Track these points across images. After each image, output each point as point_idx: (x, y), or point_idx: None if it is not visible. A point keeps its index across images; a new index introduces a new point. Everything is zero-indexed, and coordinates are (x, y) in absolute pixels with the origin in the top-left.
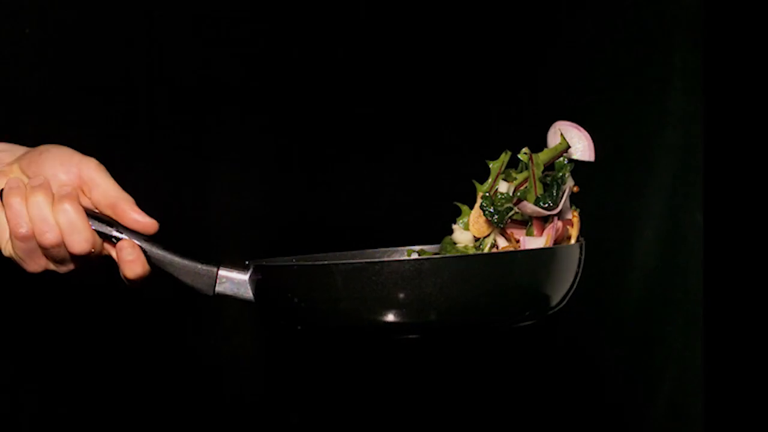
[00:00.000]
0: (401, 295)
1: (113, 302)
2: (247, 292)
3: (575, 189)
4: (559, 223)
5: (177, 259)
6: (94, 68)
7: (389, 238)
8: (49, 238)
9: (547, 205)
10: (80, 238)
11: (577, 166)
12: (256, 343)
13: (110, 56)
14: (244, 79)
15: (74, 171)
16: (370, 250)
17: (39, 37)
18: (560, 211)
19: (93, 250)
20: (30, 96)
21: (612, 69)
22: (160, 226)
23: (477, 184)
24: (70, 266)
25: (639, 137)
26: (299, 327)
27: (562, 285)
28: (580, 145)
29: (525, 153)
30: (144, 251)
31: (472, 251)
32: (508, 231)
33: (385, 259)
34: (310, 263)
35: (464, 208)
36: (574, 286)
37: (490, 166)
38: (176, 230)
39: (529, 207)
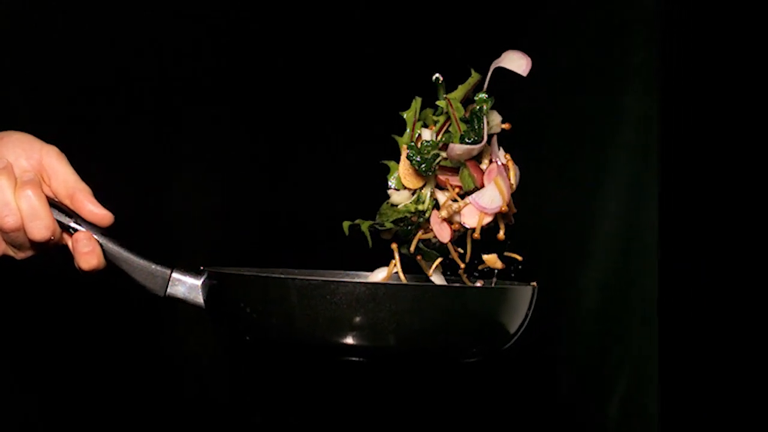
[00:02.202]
0: (353, 318)
1: (83, 299)
2: (198, 297)
3: (506, 126)
4: (499, 164)
5: (132, 257)
6: (57, 63)
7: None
8: (10, 222)
9: (472, 140)
10: (41, 225)
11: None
12: (219, 344)
13: (75, 53)
14: (207, 77)
15: (36, 158)
16: (332, 271)
17: (3, 31)
18: (492, 152)
19: (52, 238)
20: None
21: (569, 68)
22: (123, 223)
23: (397, 138)
24: (29, 252)
25: (595, 137)
26: (247, 337)
27: (511, 325)
28: (518, 62)
29: (442, 94)
30: (100, 245)
31: (412, 207)
32: (442, 179)
33: (342, 279)
34: (265, 275)
35: (392, 164)
36: (521, 330)
37: (404, 116)
38: (138, 229)
39: (456, 148)
